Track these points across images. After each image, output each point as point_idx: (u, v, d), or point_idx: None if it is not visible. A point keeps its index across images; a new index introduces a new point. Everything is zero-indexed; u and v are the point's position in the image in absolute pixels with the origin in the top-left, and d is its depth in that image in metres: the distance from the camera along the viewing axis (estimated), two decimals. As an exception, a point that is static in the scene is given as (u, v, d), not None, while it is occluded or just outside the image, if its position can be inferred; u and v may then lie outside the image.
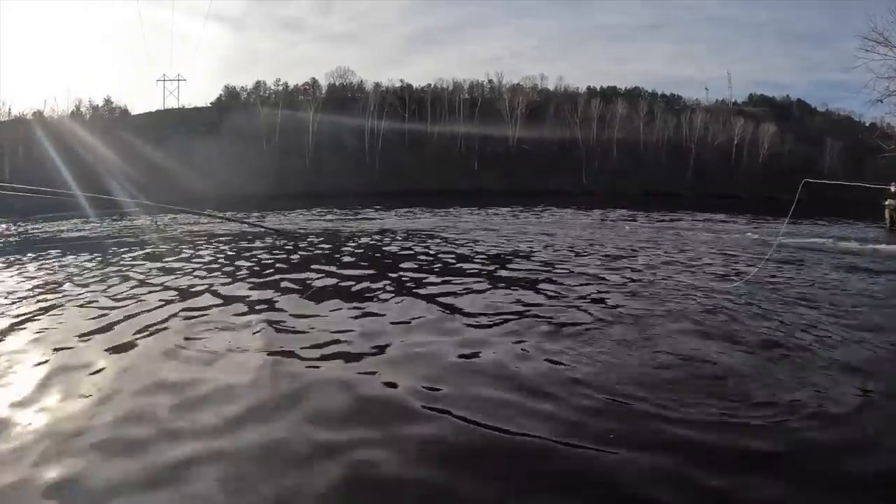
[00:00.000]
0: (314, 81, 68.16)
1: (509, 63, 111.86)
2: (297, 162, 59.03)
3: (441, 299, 5.34)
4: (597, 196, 44.28)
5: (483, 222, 16.24)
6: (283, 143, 60.87)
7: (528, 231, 13.30)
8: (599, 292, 5.76)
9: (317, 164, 59.41)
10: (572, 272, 7.10)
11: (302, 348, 3.78)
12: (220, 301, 5.23)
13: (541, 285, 6.13)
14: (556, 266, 7.60)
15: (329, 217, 18.67)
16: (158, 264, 7.51)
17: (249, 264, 7.67)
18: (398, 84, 68.12)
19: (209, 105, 67.31)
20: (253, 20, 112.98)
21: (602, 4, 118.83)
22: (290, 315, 4.69)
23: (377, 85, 67.40)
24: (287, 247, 9.82)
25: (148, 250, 9.36)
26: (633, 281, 6.50)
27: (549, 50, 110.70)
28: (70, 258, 8.37)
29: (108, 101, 63.31)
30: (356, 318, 4.67)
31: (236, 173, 50.77)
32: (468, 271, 7.12)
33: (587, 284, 6.21)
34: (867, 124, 53.20)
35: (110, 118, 61.29)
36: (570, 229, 13.91)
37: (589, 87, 70.40)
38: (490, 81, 69.76)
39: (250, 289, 5.86)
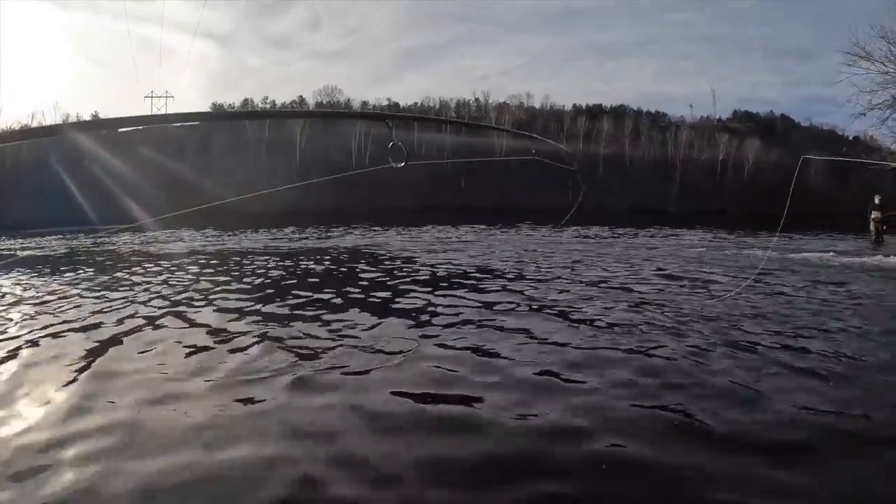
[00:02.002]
0: (302, 100, 68.34)
1: (497, 81, 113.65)
2: (284, 179, 58.61)
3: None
4: (584, 213, 43.95)
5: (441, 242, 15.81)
6: (270, 161, 60.54)
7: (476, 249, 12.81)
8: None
9: (303, 176, 58.75)
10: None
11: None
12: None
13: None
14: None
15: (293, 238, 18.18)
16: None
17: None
18: (385, 102, 68.48)
19: (196, 122, 66.58)
20: (241, 36, 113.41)
21: (590, 22, 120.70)
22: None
23: (364, 103, 67.63)
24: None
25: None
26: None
27: (537, 68, 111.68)
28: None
29: (95, 117, 62.45)
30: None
31: (223, 190, 50.90)
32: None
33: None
34: (851, 138, 53.73)
35: (97, 134, 60.56)
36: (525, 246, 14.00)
37: (575, 105, 70.87)
38: (477, 100, 70.23)
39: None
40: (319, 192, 54.12)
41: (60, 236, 20.26)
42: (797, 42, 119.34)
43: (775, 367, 3.65)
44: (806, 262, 9.94)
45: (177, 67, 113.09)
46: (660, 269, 8.83)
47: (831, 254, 10.87)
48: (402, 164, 2.47)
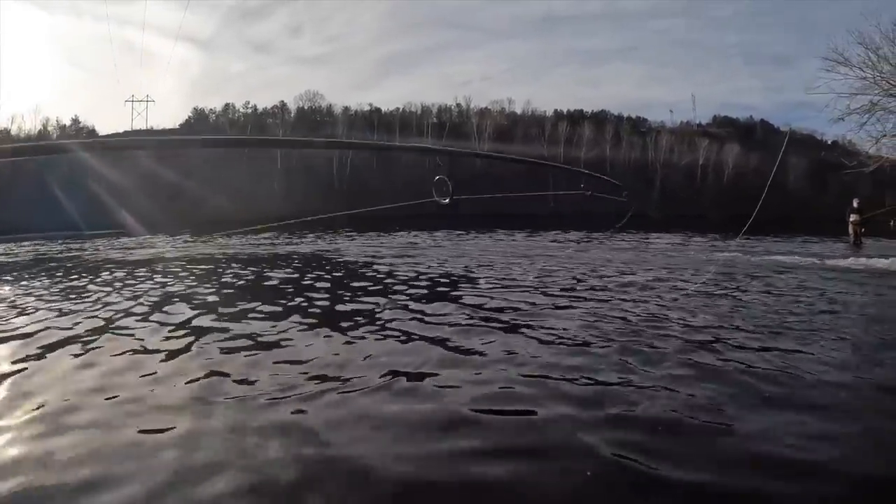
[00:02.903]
0: (283, 105, 67.74)
1: (479, 87, 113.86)
2: (266, 185, 58.10)
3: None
4: (566, 218, 43.95)
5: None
6: (251, 167, 59.95)
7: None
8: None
9: (286, 188, 58.36)
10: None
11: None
12: None
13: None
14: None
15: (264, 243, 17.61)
16: None
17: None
18: (367, 108, 68.17)
19: (178, 127, 66.35)
20: (223, 41, 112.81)
21: (572, 28, 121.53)
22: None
23: (346, 109, 67.32)
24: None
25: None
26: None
27: (519, 74, 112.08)
28: None
29: (75, 121, 62.57)
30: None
31: (206, 196, 50.86)
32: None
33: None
34: (829, 142, 54.26)
35: (77, 138, 59.80)
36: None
37: (556, 111, 70.99)
38: (458, 105, 70.05)
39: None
40: (304, 200, 53.45)
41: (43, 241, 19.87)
42: (777, 48, 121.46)
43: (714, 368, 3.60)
44: (778, 265, 9.70)
45: (158, 71, 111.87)
46: (621, 272, 8.42)
47: (810, 259, 10.62)
48: (447, 200, 2.51)
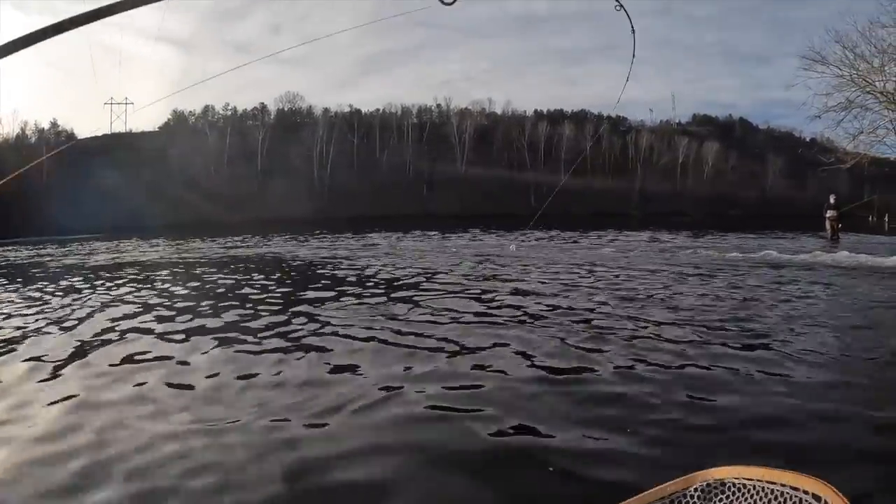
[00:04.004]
0: (263, 106, 66.54)
1: (461, 87, 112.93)
2: (246, 187, 57.31)
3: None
4: (547, 218, 43.77)
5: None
6: (232, 169, 59.14)
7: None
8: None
9: (266, 190, 57.55)
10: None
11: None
12: None
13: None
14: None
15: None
16: None
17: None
18: (347, 109, 67.44)
19: (157, 129, 65.15)
20: (201, 42, 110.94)
21: (551, 28, 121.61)
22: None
23: (326, 110, 66.47)
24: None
25: None
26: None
27: (499, 73, 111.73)
28: None
29: (54, 124, 60.99)
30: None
31: (186, 199, 50.61)
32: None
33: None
34: (808, 139, 54.61)
35: (56, 141, 58.05)
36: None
37: (536, 111, 70.76)
38: (438, 106, 69.45)
39: None
40: (284, 203, 52.95)
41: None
42: (755, 47, 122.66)
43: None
44: (760, 261, 9.68)
45: (136, 72, 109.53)
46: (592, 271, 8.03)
47: (787, 256, 10.41)
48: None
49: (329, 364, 3.76)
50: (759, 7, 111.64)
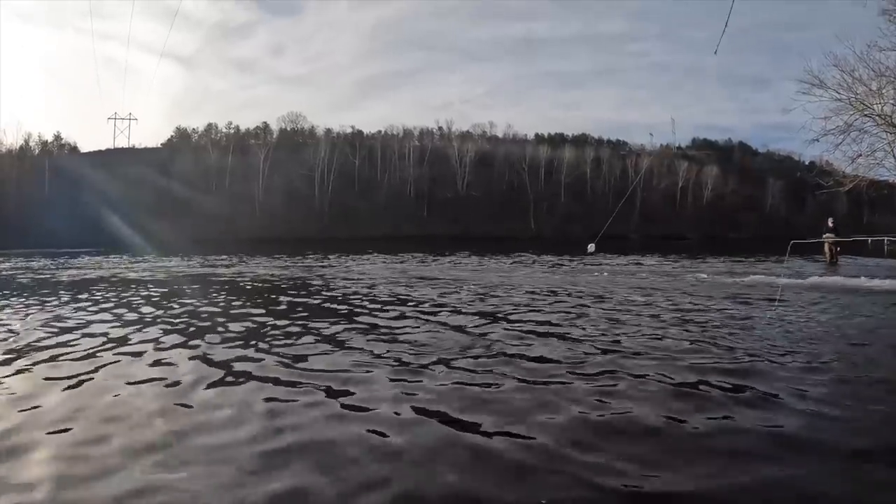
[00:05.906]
0: (265, 125, 67.24)
1: (460, 109, 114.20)
2: (247, 206, 57.49)
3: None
4: (546, 241, 43.76)
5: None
6: (233, 187, 59.41)
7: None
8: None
9: (267, 209, 57.77)
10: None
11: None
12: None
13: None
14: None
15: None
16: None
17: None
18: (349, 130, 67.99)
19: (160, 146, 65.85)
20: (205, 59, 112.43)
21: (550, 51, 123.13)
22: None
23: (328, 131, 67.05)
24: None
25: None
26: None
27: (499, 96, 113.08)
28: None
29: (57, 137, 61.77)
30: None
31: (186, 217, 50.98)
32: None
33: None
34: (807, 163, 54.93)
35: (59, 154, 59.54)
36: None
37: (537, 135, 71.39)
38: (440, 129, 70.15)
39: None
40: (285, 223, 53.02)
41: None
42: (753, 71, 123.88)
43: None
44: (754, 285, 9.38)
45: (140, 87, 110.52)
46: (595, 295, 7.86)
47: (786, 280, 10.19)
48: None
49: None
50: (757, 31, 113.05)
